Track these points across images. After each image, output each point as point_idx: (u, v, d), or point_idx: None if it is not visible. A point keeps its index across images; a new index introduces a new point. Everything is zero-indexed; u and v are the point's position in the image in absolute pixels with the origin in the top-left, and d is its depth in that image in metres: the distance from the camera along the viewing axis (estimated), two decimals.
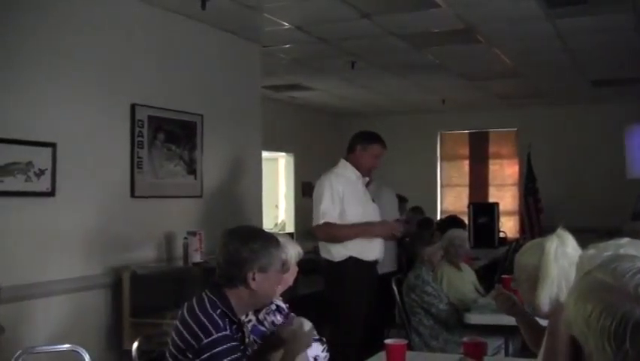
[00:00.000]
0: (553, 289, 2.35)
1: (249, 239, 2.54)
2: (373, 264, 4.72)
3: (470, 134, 11.43)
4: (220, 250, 2.56)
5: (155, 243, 5.11)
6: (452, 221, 7.26)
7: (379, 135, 4.82)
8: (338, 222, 4.55)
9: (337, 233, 4.56)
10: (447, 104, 10.10)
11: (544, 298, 2.37)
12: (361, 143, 4.74)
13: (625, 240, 1.76)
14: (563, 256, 2.36)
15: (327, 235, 4.59)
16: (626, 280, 1.18)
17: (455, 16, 5.59)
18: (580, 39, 6.42)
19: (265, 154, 7.11)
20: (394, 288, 5.02)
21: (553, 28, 5.97)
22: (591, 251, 1.76)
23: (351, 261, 4.56)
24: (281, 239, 2.77)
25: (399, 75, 8.16)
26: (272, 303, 2.95)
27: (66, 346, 3.24)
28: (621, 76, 8.26)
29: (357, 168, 4.72)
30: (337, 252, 4.60)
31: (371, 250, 4.65)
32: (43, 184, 4.19)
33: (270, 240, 2.60)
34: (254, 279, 2.48)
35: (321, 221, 4.54)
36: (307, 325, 2.70)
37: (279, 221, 10.50)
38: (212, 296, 2.49)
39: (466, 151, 11.50)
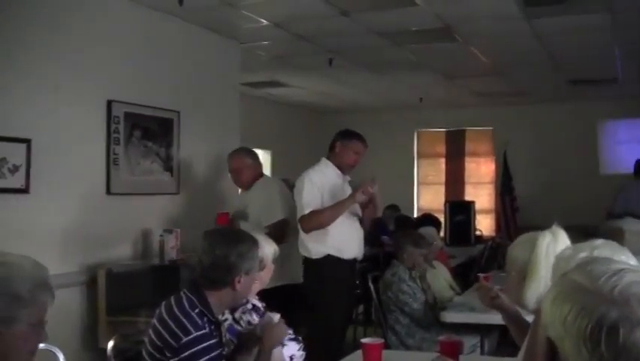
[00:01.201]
0: (540, 289, 2.33)
1: (237, 244, 2.54)
2: (352, 262, 4.71)
3: (447, 132, 11.46)
4: (205, 252, 2.54)
5: (131, 240, 5.08)
6: (427, 219, 7.29)
7: (360, 133, 4.83)
8: None
9: (321, 217, 4.50)
10: (424, 102, 10.12)
11: (531, 297, 2.35)
12: (341, 140, 4.74)
13: (599, 241, 1.78)
14: (553, 254, 2.33)
15: (314, 223, 4.51)
16: (602, 282, 1.18)
17: (433, 15, 5.60)
18: (556, 39, 6.48)
19: None
20: (371, 286, 5.03)
21: (530, 27, 6.00)
22: (567, 252, 1.77)
23: (330, 259, 4.55)
24: (257, 237, 2.77)
25: (377, 73, 8.17)
26: (248, 302, 2.94)
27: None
28: (597, 75, 8.34)
29: (338, 166, 4.72)
30: (315, 249, 4.58)
31: (350, 247, 4.63)
32: (18, 181, 4.14)
33: (254, 243, 2.62)
34: (239, 282, 2.50)
35: (306, 211, 4.51)
36: (276, 317, 2.70)
37: None
38: (190, 296, 2.49)
39: (442, 149, 11.52)
